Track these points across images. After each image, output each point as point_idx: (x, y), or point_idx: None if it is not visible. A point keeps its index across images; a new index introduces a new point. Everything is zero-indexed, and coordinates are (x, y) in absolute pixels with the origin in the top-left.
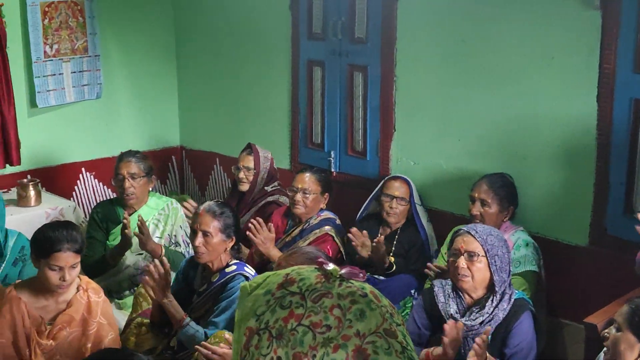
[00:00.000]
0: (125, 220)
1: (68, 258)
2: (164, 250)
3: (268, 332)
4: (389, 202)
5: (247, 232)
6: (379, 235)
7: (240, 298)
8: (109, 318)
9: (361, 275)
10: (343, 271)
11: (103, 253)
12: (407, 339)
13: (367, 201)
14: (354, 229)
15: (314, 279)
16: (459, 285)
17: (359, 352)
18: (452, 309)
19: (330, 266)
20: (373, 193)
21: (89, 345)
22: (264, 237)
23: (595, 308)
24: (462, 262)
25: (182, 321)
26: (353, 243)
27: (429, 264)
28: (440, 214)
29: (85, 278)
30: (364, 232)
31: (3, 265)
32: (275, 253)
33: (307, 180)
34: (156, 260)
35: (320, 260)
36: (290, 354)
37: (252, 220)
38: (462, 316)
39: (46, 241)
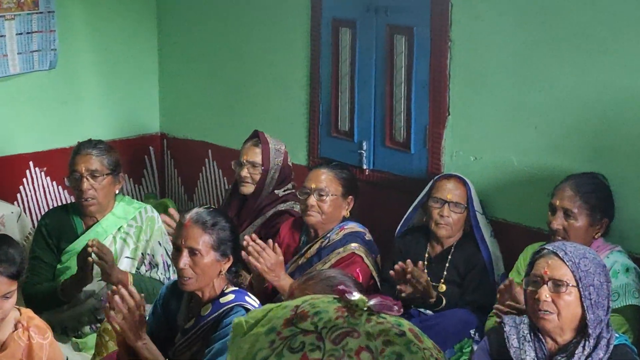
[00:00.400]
0: (90, 247)
1: (0, 285)
2: (131, 278)
3: None
4: (439, 209)
5: (244, 255)
6: (424, 258)
7: (232, 338)
8: None
9: (396, 308)
10: (372, 302)
11: (51, 280)
12: None
13: (410, 209)
14: (398, 265)
15: (333, 312)
16: (540, 324)
17: None
18: (529, 356)
19: (355, 296)
20: (419, 198)
21: None
22: (270, 262)
23: None
24: (545, 293)
25: None
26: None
27: (496, 305)
28: (509, 227)
29: (26, 312)
30: (409, 264)
31: None
32: (286, 283)
33: (324, 177)
34: (122, 290)
35: (341, 288)
36: None
37: (247, 237)
38: None
39: None
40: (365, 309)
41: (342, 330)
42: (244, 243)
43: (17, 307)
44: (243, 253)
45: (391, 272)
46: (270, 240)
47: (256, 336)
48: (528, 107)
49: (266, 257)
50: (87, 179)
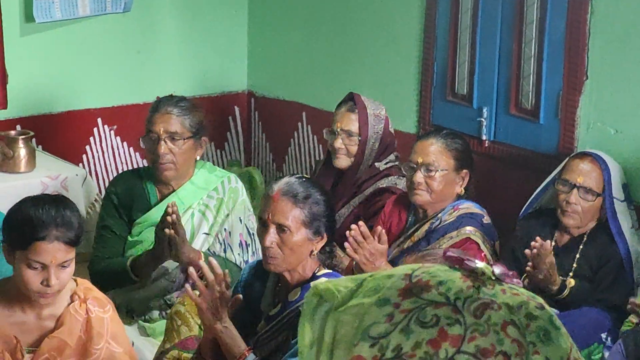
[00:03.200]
0: (169, 216)
1: (56, 252)
2: (203, 257)
3: None
4: (566, 194)
5: (345, 244)
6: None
7: (315, 308)
8: (123, 343)
9: (515, 280)
10: (498, 270)
11: (121, 255)
12: None
13: (538, 189)
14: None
15: (460, 282)
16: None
17: None
18: None
19: (479, 263)
20: (549, 178)
21: None
22: (371, 250)
23: None
24: None
25: (244, 358)
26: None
27: (632, 299)
28: None
29: (83, 282)
30: (538, 240)
31: None
32: None
33: (432, 149)
34: (202, 262)
35: (455, 256)
36: None
37: (354, 226)
38: None
39: (24, 224)
40: (493, 278)
41: (481, 302)
42: (348, 233)
43: (74, 277)
44: (346, 243)
45: (527, 250)
46: (379, 228)
47: (362, 308)
48: None
49: (366, 247)
50: (165, 141)
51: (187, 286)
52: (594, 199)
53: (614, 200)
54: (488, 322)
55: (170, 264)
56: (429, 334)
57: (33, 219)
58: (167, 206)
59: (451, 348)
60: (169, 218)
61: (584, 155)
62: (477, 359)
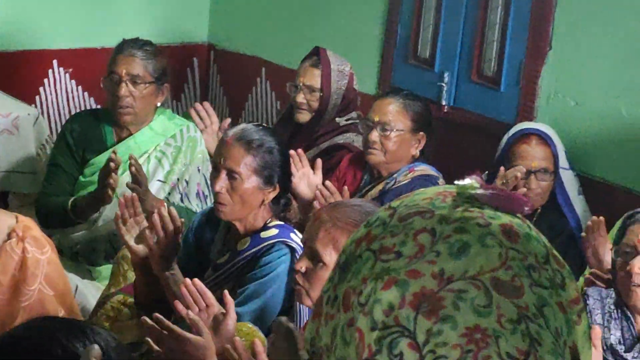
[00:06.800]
0: (112, 161)
1: None
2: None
3: (339, 262)
4: (525, 181)
5: (315, 203)
6: None
7: None
8: (57, 287)
9: (526, 208)
10: (482, 191)
11: (70, 194)
12: (558, 317)
13: (495, 158)
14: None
15: (433, 194)
16: (632, 301)
17: (425, 298)
18: (614, 336)
19: (465, 180)
20: (497, 154)
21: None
22: (303, 172)
23: None
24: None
25: None
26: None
27: (593, 270)
28: (610, 189)
29: (24, 220)
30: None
31: None
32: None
33: (391, 108)
34: (164, 210)
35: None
36: (341, 291)
37: (319, 186)
38: (629, 350)
39: None
40: (469, 194)
41: (416, 210)
42: (316, 190)
43: (16, 214)
44: (315, 202)
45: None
46: (345, 188)
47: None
48: None
49: (303, 167)
50: (126, 83)
51: (147, 232)
52: (552, 176)
53: (560, 169)
54: (406, 226)
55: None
56: (361, 233)
57: None
58: (111, 156)
59: (365, 245)
60: (132, 169)
61: (527, 136)
62: (374, 255)
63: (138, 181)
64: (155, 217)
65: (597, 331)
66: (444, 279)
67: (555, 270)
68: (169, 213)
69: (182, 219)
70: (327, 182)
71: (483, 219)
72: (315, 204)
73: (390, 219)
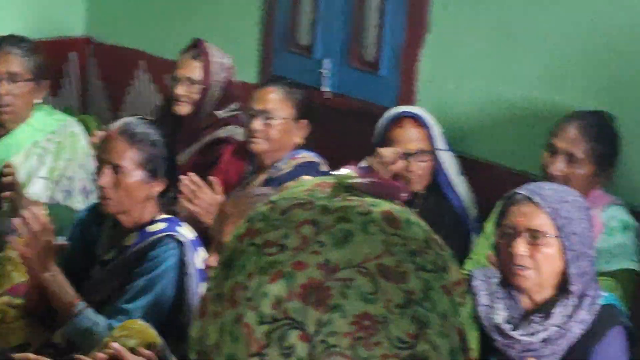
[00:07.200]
0: (7, 175)
1: None
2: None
3: (222, 259)
4: (405, 163)
5: (179, 196)
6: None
7: None
8: None
9: (404, 194)
10: (360, 180)
11: None
12: (443, 301)
13: (373, 144)
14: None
15: (311, 185)
16: (515, 282)
17: (312, 288)
18: (501, 316)
19: (342, 171)
20: (375, 139)
21: None
22: (207, 200)
23: None
24: (521, 246)
25: (73, 307)
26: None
27: (489, 253)
28: (490, 168)
29: None
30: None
31: None
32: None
33: (272, 97)
34: (26, 212)
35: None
36: (227, 287)
37: (182, 177)
38: (516, 328)
39: None
40: (346, 185)
41: (296, 202)
42: (181, 183)
43: None
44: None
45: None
46: (213, 178)
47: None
48: (526, 28)
49: (203, 197)
50: (3, 82)
51: (13, 238)
52: (430, 157)
53: (440, 151)
54: (288, 219)
55: None
56: (242, 228)
57: None
58: (5, 171)
59: (248, 240)
60: (5, 179)
61: (400, 120)
62: (258, 249)
63: (14, 188)
64: (15, 220)
65: None
66: (330, 268)
67: (437, 254)
68: (33, 215)
69: (50, 216)
70: (190, 173)
71: (364, 207)
72: (180, 197)
73: (271, 212)
